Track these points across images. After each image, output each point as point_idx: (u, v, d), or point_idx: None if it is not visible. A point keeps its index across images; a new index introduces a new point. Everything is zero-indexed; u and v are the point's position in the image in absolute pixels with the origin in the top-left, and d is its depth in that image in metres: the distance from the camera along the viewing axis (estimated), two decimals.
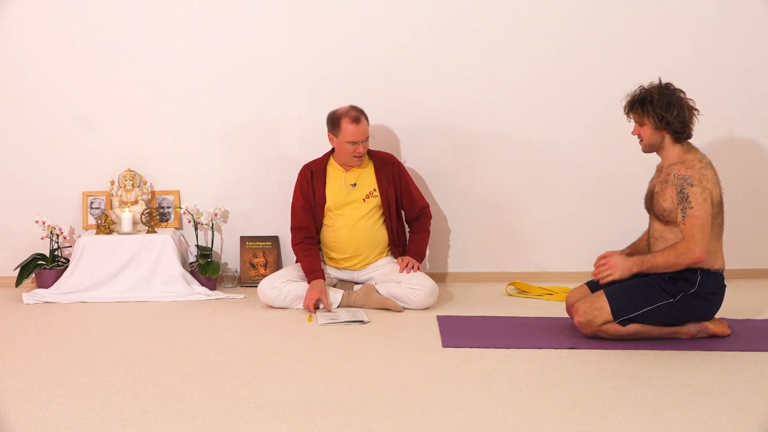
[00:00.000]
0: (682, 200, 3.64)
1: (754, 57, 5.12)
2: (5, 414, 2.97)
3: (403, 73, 5.09)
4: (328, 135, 4.58)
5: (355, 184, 4.61)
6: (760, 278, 5.17)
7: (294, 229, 4.64)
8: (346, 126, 4.48)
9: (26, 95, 5.07)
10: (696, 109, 3.77)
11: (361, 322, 4.18)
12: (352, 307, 4.44)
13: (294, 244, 4.63)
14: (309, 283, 4.46)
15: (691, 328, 3.81)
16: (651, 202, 3.83)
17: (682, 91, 3.77)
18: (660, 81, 3.80)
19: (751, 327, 4.02)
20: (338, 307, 4.43)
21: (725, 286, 3.81)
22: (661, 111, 3.70)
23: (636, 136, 3.85)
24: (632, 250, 4.00)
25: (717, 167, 5.12)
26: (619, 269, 3.70)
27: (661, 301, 3.71)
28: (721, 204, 3.75)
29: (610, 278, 3.71)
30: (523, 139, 5.14)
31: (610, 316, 3.74)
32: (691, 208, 3.61)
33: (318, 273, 4.47)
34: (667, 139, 3.76)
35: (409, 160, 5.11)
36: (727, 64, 5.12)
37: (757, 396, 3.11)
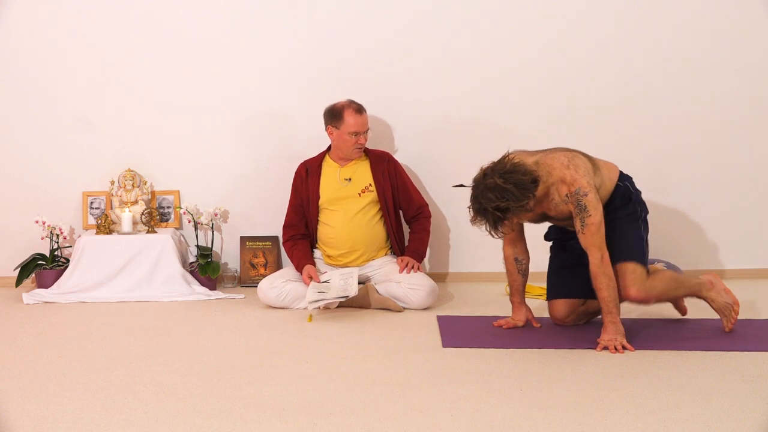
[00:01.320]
0: (580, 211, 3.64)
1: (754, 57, 5.12)
2: (5, 414, 2.96)
3: (404, 72, 5.09)
4: (327, 128, 4.60)
5: (350, 179, 4.63)
6: (760, 278, 5.17)
7: (285, 226, 4.71)
8: (349, 117, 4.51)
9: (26, 95, 5.07)
10: (514, 164, 3.52)
11: (346, 297, 4.22)
12: (348, 293, 4.33)
13: (284, 242, 4.70)
14: (301, 271, 4.51)
15: (710, 278, 3.97)
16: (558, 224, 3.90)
17: (490, 170, 3.51)
18: (466, 185, 3.65)
19: (751, 327, 4.02)
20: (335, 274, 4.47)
21: (631, 178, 3.92)
22: (519, 204, 3.49)
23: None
24: (519, 296, 4.03)
25: (717, 167, 5.18)
26: (617, 337, 3.67)
27: (639, 229, 3.83)
28: (589, 160, 3.75)
29: (624, 345, 3.65)
30: (523, 137, 5.11)
31: (645, 271, 3.77)
32: (589, 216, 3.63)
33: (307, 259, 4.55)
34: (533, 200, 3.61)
35: (408, 159, 5.10)
36: (727, 64, 5.12)
37: (757, 396, 3.10)
